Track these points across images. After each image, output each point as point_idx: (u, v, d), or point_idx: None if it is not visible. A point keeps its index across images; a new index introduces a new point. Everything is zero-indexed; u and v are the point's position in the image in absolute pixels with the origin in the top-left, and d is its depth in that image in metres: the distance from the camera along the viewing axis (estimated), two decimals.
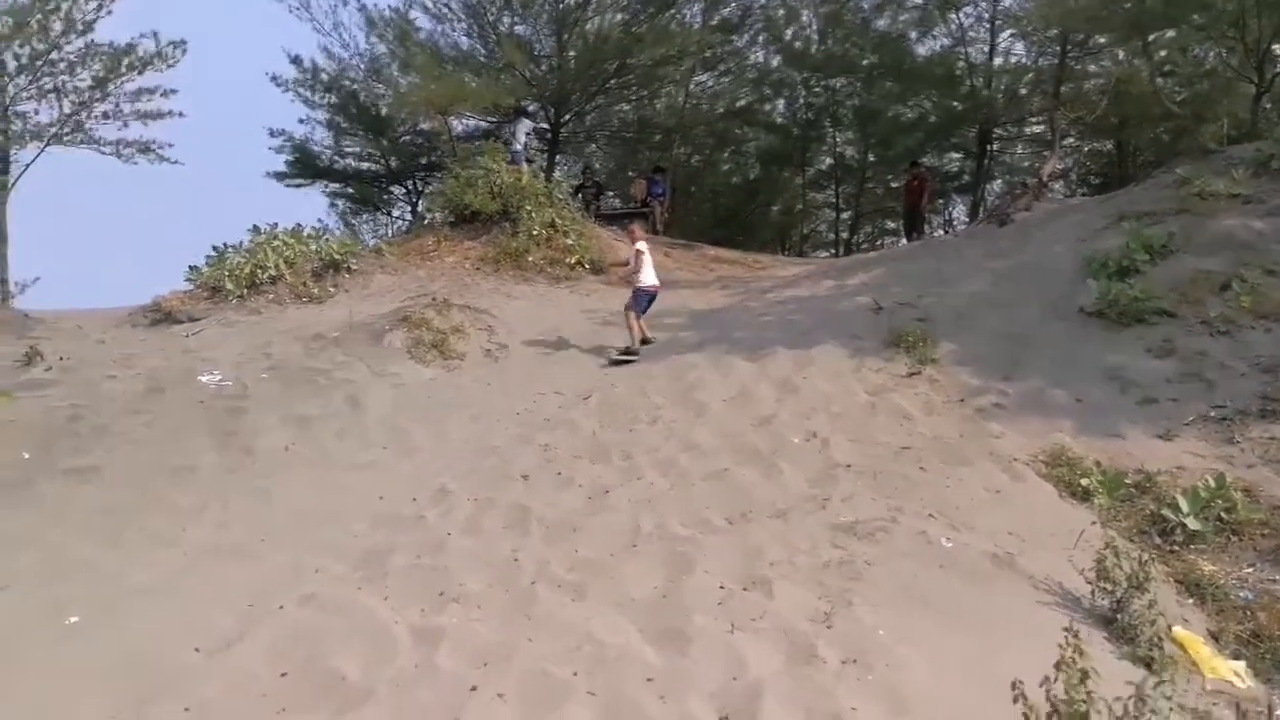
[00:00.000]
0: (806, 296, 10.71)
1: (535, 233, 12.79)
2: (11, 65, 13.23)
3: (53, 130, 13.70)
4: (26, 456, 6.32)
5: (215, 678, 3.65)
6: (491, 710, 3.29)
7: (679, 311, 10.76)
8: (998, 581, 4.43)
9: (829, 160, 22.53)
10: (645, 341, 9.27)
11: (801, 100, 21.04)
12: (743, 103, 21.09)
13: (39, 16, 13.04)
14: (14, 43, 12.90)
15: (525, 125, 15.01)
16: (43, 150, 13.84)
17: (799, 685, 3.43)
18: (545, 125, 17.79)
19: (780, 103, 21.57)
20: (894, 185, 21.19)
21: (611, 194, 20.42)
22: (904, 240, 17.48)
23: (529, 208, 13.13)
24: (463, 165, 13.99)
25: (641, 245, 9.54)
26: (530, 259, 12.49)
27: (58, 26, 13.42)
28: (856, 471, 5.64)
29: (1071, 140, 18.56)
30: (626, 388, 7.61)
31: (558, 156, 18.55)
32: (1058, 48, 15.82)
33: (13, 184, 13.24)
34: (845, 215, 22.96)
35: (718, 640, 3.74)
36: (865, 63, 19.28)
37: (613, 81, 17.95)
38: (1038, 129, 19.04)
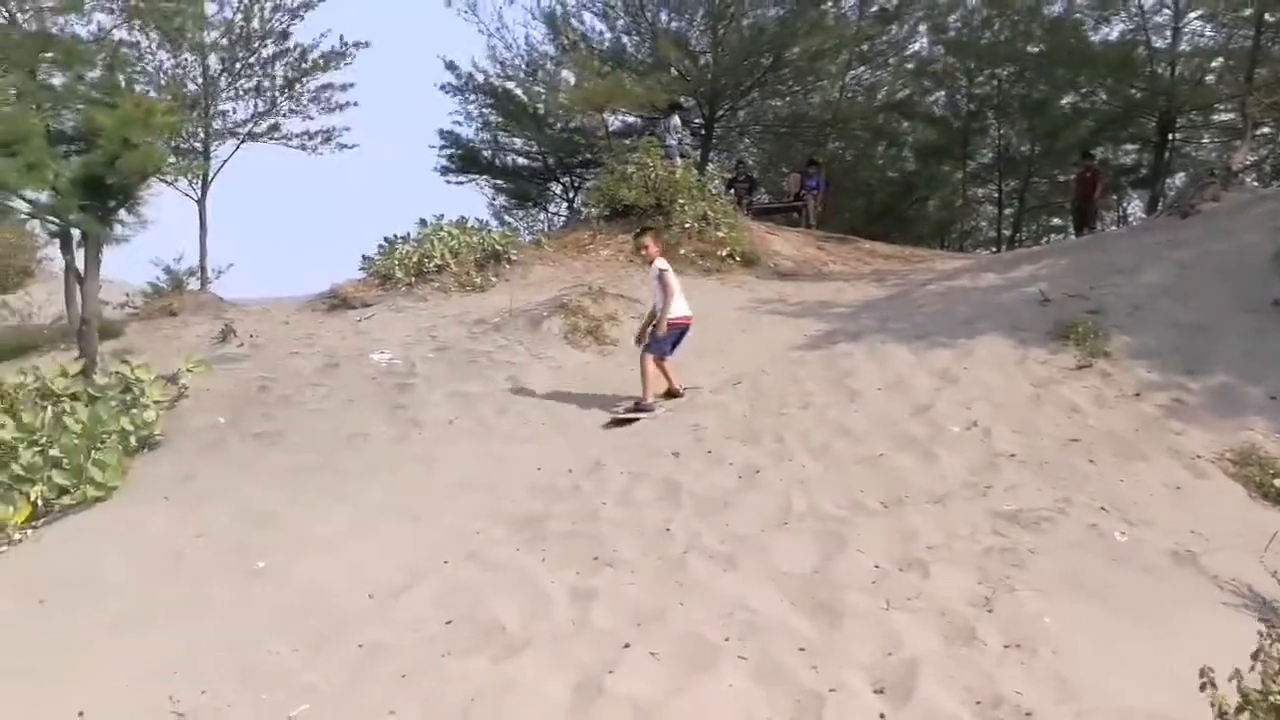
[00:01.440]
0: (968, 288, 10.33)
1: (688, 226, 12.87)
2: (215, 69, 14.47)
3: (247, 127, 14.90)
4: (222, 421, 6.89)
5: (386, 621, 3.88)
6: (644, 666, 3.35)
7: (833, 303, 10.61)
8: (1176, 579, 4.17)
9: (991, 153, 21.66)
10: (672, 394, 7.28)
11: (963, 91, 20.31)
12: (901, 95, 20.56)
13: (241, 25, 14.20)
14: (219, 49, 14.09)
15: (679, 121, 15.14)
16: (239, 146, 15.09)
17: (958, 665, 3.33)
18: (699, 120, 17.89)
19: (940, 94, 20.92)
20: (1062, 179, 20.16)
21: (763, 191, 20.31)
22: (1073, 237, 16.63)
23: (682, 201, 13.22)
24: (618, 161, 14.23)
25: (664, 264, 7.35)
26: (682, 251, 12.56)
27: (256, 31, 14.57)
28: (1020, 461, 5.42)
29: (1266, 130, 17.19)
30: (777, 374, 7.56)
31: (711, 152, 18.59)
32: (1252, 29, 14.68)
33: (212, 178, 14.46)
34: (1008, 211, 22.04)
35: (872, 616, 3.68)
36: (1034, 50, 18.42)
37: (767, 76, 17.86)
38: (1226, 117, 17.70)
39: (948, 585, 3.95)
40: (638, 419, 6.80)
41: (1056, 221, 22.40)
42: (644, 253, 7.64)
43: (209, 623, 4.17)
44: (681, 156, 14.85)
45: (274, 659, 3.68)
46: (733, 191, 16.19)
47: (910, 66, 20.21)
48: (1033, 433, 5.88)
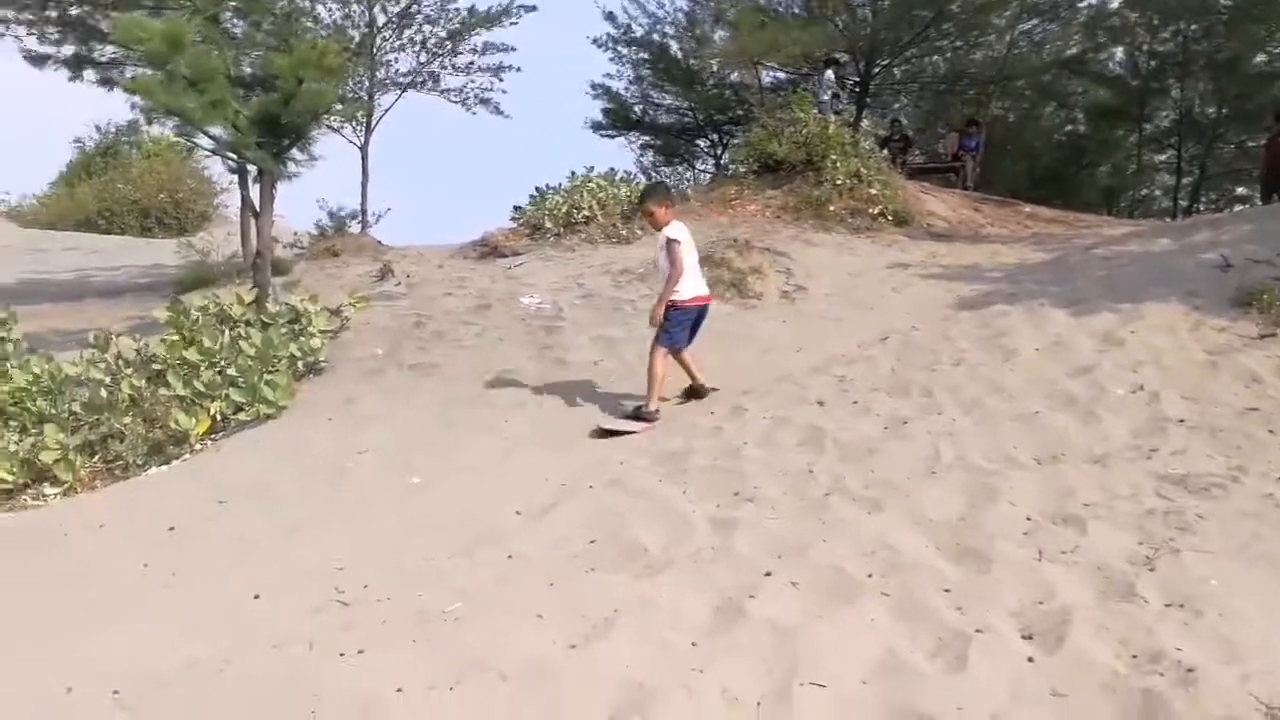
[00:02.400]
0: (1137, 253, 9.74)
1: (839, 182, 12.59)
2: (380, 20, 15.05)
3: (409, 78, 15.48)
4: (380, 352, 7.27)
5: (532, 536, 4.03)
6: (784, 595, 3.35)
7: (987, 265, 10.22)
8: None
9: (1171, 116, 20.19)
10: (696, 392, 6.25)
11: (1143, 48, 18.95)
12: (1072, 51, 19.36)
13: None
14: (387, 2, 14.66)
15: (834, 76, 14.80)
16: (400, 96, 15.70)
17: (1114, 619, 3.19)
18: (854, 77, 17.42)
19: (1118, 51, 19.57)
20: (1251, 145, 18.64)
21: (917, 150, 19.63)
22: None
23: (834, 157, 12.94)
24: (769, 115, 14.04)
25: (677, 232, 6.07)
26: (832, 208, 12.33)
27: None
28: (1190, 427, 5.10)
29: None
30: (928, 331, 7.36)
31: (865, 110, 18.08)
32: None
33: (374, 125, 15.11)
34: (1186, 180, 20.53)
35: (1022, 565, 3.57)
36: (1225, 2, 17.00)
37: (928, 30, 17.16)
38: None
39: (1106, 542, 3.78)
40: (632, 432, 5.59)
41: (1241, 191, 20.71)
42: (650, 219, 6.28)
43: (370, 529, 4.45)
44: (835, 113, 14.53)
45: (429, 563, 3.88)
46: (886, 151, 15.74)
47: (1084, 20, 18.95)
48: (1206, 400, 5.52)
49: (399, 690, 2.85)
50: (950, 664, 2.91)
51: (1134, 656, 2.96)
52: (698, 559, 3.65)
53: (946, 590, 3.39)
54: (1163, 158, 21.36)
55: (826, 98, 14.34)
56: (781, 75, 17.83)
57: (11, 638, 3.72)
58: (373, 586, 3.70)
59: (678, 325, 6.00)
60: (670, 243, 5.98)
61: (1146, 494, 4.31)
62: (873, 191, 12.58)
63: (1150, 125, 20.49)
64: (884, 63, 17.90)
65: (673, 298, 5.95)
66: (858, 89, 17.52)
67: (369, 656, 3.08)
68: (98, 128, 22.06)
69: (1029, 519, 4.01)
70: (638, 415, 5.78)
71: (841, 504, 4.20)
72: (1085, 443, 4.95)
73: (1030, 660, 2.93)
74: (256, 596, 3.73)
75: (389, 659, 3.05)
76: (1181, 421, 5.17)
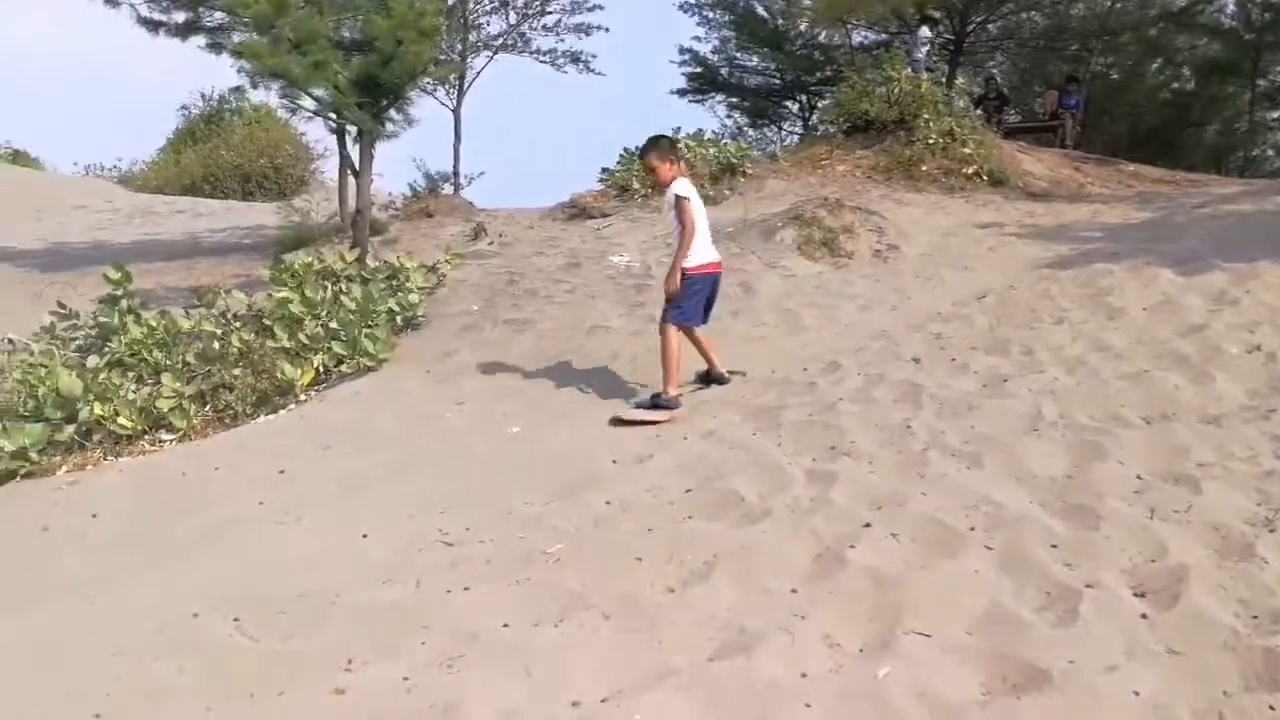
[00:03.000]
0: (1250, 212, 9.31)
1: (932, 141, 12.29)
2: None
3: (500, 40, 15.58)
4: (475, 308, 7.42)
5: (630, 482, 4.08)
6: (885, 546, 3.33)
7: (1087, 224, 9.89)
8: None
9: None
10: (714, 378, 5.66)
11: None
12: (1181, 3, 18.41)
13: None
14: None
15: (926, 34, 14.40)
16: (491, 58, 15.85)
17: (1232, 579, 3.08)
18: (948, 35, 16.90)
19: (1229, 2, 18.54)
20: None
21: (1013, 110, 18.97)
22: None
23: (926, 116, 12.63)
24: (860, 75, 13.75)
25: (685, 188, 5.38)
26: (924, 168, 12.06)
27: None
28: None
29: None
30: (1027, 290, 7.16)
31: (958, 68, 17.53)
32: None
33: (467, 88, 15.29)
34: None
35: (1133, 523, 3.46)
36: None
37: None
38: None
39: (1221, 503, 3.64)
40: (654, 422, 5.06)
41: None
42: (654, 175, 5.61)
43: (471, 475, 4.57)
44: (928, 70, 14.15)
45: (529, 507, 3.96)
46: (981, 109, 15.27)
47: None
48: None
49: (505, 625, 2.93)
50: (1060, 618, 2.85)
51: (1254, 617, 2.87)
52: (795, 509, 3.65)
53: (1053, 546, 3.32)
54: (1276, 115, 20.23)
55: (920, 55, 13.96)
56: (871, 35, 17.40)
57: (140, 568, 3.95)
58: (474, 528, 3.79)
59: (690, 297, 5.34)
60: (680, 200, 5.32)
61: (1265, 455, 4.13)
62: (966, 151, 12.26)
63: (1264, 81, 19.40)
64: (979, 19, 17.30)
65: (684, 264, 5.31)
66: (951, 46, 17.00)
67: (474, 593, 3.17)
68: (202, 95, 22.78)
69: (1139, 478, 3.89)
70: (656, 404, 5.23)
71: (940, 459, 4.14)
72: (1198, 403, 4.77)
73: (1144, 617, 2.86)
74: (364, 535, 3.86)
75: (494, 596, 3.14)
76: None
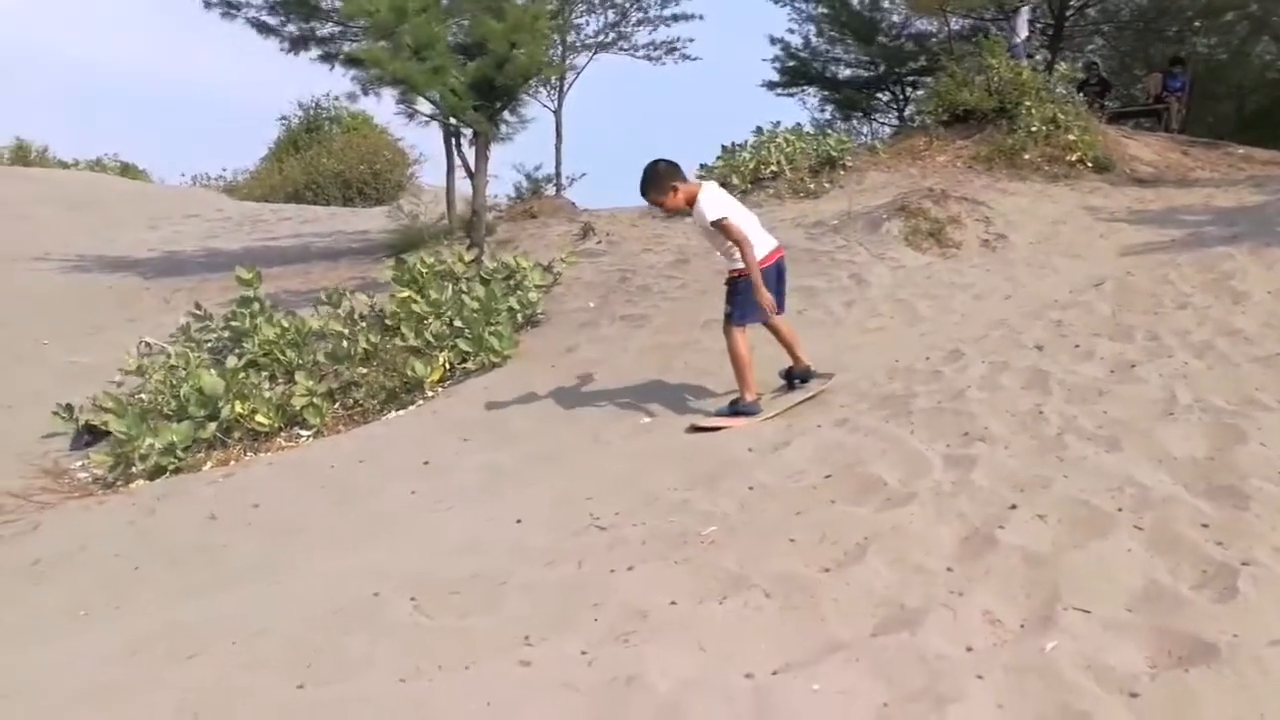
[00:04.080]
0: None
1: (1034, 129, 12.12)
2: None
3: (598, 39, 15.86)
4: (592, 305, 7.63)
5: (768, 469, 4.20)
6: (1032, 526, 3.39)
7: (1200, 209, 9.66)
8: None
9: None
10: (795, 373, 5.39)
11: None
12: None
13: None
14: None
15: (1026, 18, 14.15)
16: (592, 58, 16.14)
17: None
18: (1047, 19, 16.54)
19: None
20: None
21: (1114, 95, 18.44)
22: None
23: (1028, 104, 12.45)
24: (958, 63, 13.59)
25: (713, 206, 4.98)
26: (1026, 156, 11.90)
27: None
28: None
29: None
30: (1145, 275, 7.07)
31: (1058, 54, 17.15)
32: None
33: (568, 88, 15.61)
34: None
35: None
36: None
37: None
38: None
39: None
40: (727, 427, 4.96)
41: None
42: (665, 208, 5.22)
43: (610, 463, 4.76)
44: (1028, 57, 13.91)
45: (673, 493, 4.12)
46: (1083, 95, 14.92)
47: None
48: None
49: (672, 603, 3.09)
50: (1219, 594, 2.88)
51: None
52: (938, 492, 3.73)
53: (1204, 525, 3.34)
54: None
55: (1019, 40, 13.73)
56: (967, 22, 17.12)
57: (310, 553, 4.24)
58: (623, 513, 3.97)
59: (748, 296, 5.03)
60: (720, 225, 4.94)
61: None
62: (1070, 138, 12.06)
63: None
64: (1078, 3, 16.88)
65: (735, 266, 5.05)
66: (1050, 32, 16.64)
67: (637, 573, 3.34)
68: (301, 105, 23.68)
69: None
70: (736, 410, 5.11)
71: (1077, 443, 4.17)
72: None
73: None
74: (519, 521, 4.08)
75: (656, 575, 3.29)
76: None
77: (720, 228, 4.95)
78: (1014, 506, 3.54)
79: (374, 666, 2.89)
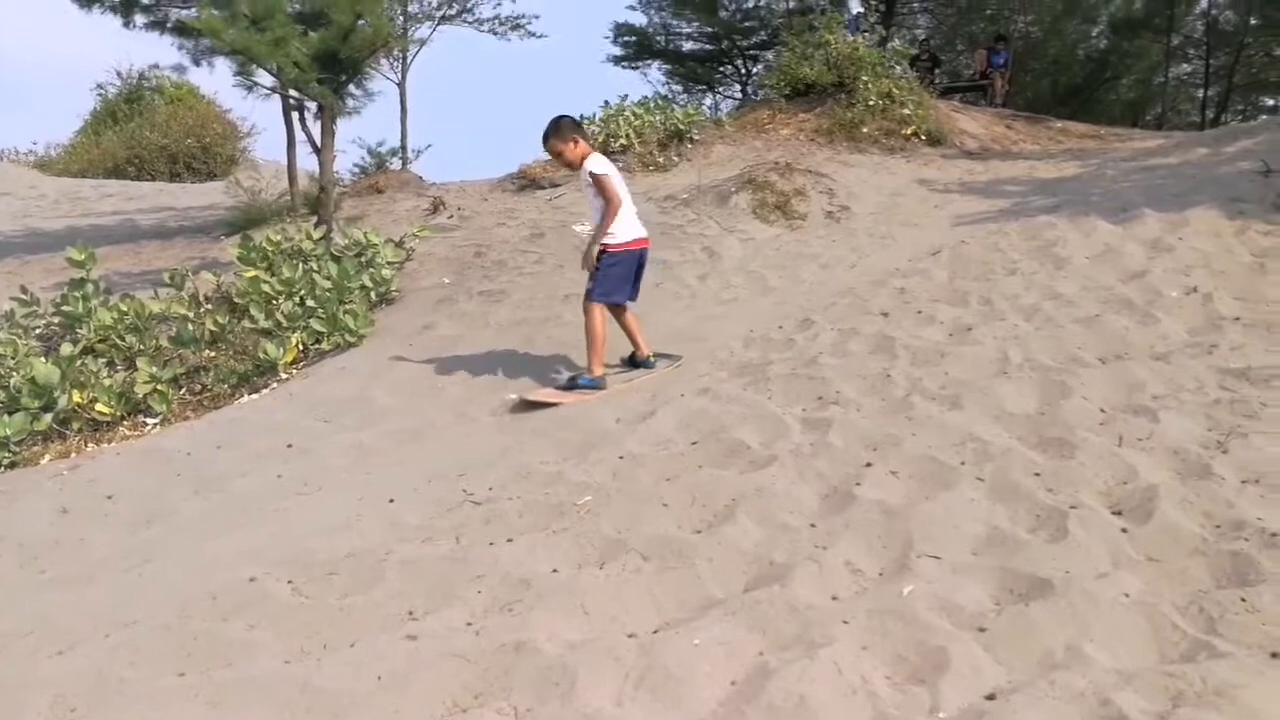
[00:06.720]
0: (1175, 164, 9.85)
1: (871, 103, 12.67)
2: None
3: (440, 10, 15.46)
4: (447, 281, 7.51)
5: (637, 438, 4.29)
6: (888, 482, 3.62)
7: (1025, 180, 10.35)
8: None
9: (1199, 26, 19.92)
10: (637, 360, 5.54)
11: None
12: None
13: None
14: None
15: None
16: (434, 29, 15.73)
17: (1196, 494, 3.44)
18: None
19: None
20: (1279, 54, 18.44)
21: (940, 70, 19.47)
22: None
23: (865, 79, 12.99)
24: (797, 38, 14.01)
25: (599, 164, 5.24)
26: (865, 130, 12.43)
27: None
28: (1245, 324, 5.32)
29: None
30: (978, 244, 7.54)
31: (890, 29, 17.94)
32: None
33: (411, 60, 15.18)
34: (1213, 91, 20.32)
35: (1103, 451, 3.81)
36: None
37: None
38: None
39: (1178, 429, 4.02)
40: (559, 404, 5.04)
41: (1269, 101, 20.57)
42: (561, 160, 5.36)
43: (479, 439, 4.74)
44: (864, 33, 14.48)
45: (546, 466, 4.16)
46: (915, 70, 15.67)
47: None
48: (1257, 299, 5.73)
49: (554, 570, 3.15)
50: (1052, 535, 3.17)
51: (1217, 526, 3.23)
52: (799, 454, 3.92)
53: (1036, 474, 3.65)
54: (1189, 69, 21.12)
55: (853, 15, 14.30)
56: None
57: (174, 541, 4.05)
58: (497, 487, 3.98)
59: (613, 275, 5.20)
60: (596, 177, 5.13)
61: (1210, 386, 4.54)
62: (905, 112, 12.66)
63: (1177, 35, 20.23)
64: None
65: (605, 240, 5.17)
66: (882, 8, 17.37)
67: (516, 544, 3.37)
68: (119, 73, 22.05)
69: (1103, 411, 4.26)
70: (574, 385, 5.19)
71: (923, 402, 4.45)
72: (1146, 342, 5.18)
73: (1124, 531, 3.20)
74: (391, 500, 4.02)
75: (535, 546, 3.34)
76: (1236, 319, 5.39)
77: (598, 182, 5.14)
78: (869, 464, 3.76)
79: (257, 650, 2.82)
